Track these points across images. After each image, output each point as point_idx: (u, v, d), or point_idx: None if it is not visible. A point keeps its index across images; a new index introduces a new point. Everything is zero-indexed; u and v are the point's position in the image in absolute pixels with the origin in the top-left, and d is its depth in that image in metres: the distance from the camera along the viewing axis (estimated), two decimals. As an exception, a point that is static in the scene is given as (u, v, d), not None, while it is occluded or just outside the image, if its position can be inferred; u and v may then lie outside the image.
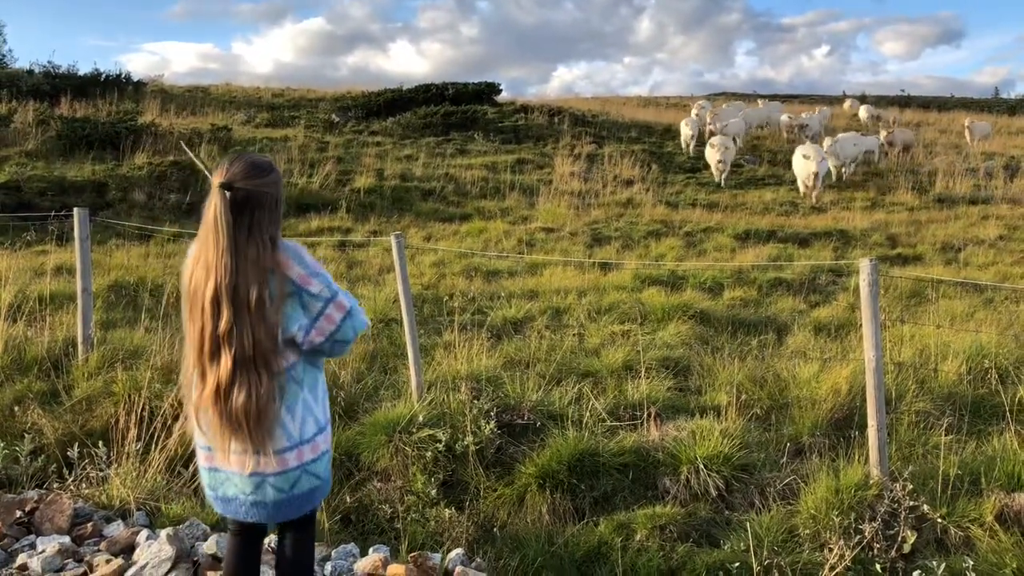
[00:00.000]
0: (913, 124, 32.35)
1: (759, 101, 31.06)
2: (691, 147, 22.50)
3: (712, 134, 21.31)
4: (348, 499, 4.82)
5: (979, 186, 19.09)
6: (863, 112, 32.14)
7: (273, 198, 2.70)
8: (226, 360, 2.60)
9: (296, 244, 2.76)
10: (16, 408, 5.38)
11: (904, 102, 46.48)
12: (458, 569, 3.38)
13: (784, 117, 26.82)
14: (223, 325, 2.60)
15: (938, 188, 18.80)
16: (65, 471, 4.58)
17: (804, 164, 17.49)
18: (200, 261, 2.66)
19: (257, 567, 3.01)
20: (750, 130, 25.59)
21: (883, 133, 23.09)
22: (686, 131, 22.80)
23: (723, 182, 19.07)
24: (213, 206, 2.61)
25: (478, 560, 3.72)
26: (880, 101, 46.61)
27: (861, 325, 7.24)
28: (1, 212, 12.39)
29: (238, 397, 2.60)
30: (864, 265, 4.56)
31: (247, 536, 2.96)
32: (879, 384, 4.54)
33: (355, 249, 11.97)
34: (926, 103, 45.80)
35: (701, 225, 14.36)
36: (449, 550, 3.89)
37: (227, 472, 2.75)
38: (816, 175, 17.16)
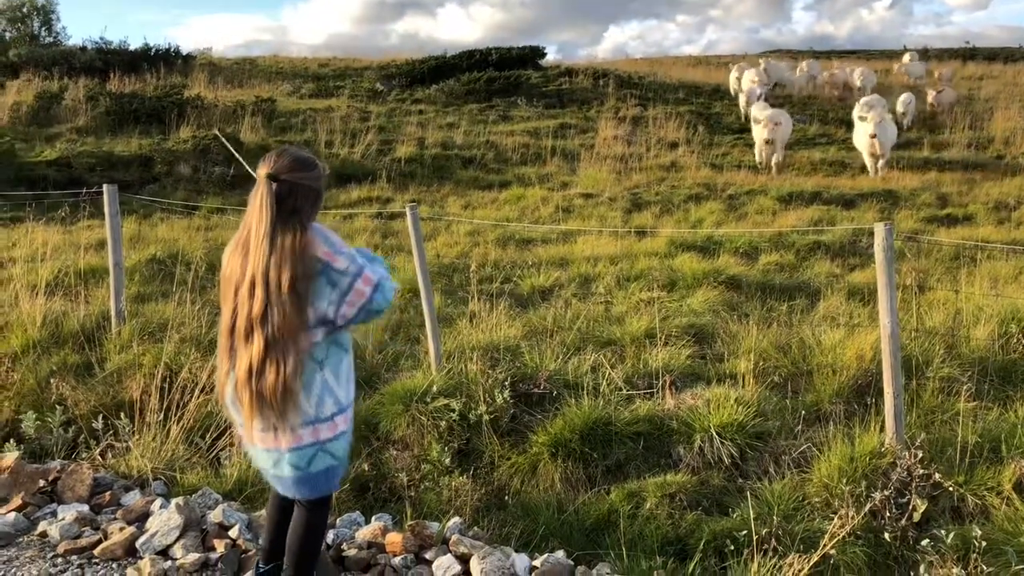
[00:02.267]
0: (976, 77, 31.27)
1: (803, 62, 29.74)
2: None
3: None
4: (366, 467, 4.91)
5: (1040, 140, 18.42)
6: (908, 67, 30.57)
7: (315, 192, 2.84)
8: (259, 341, 2.73)
9: (321, 225, 2.88)
10: (51, 380, 5.57)
11: (969, 54, 44.78)
12: (454, 537, 3.43)
13: (824, 74, 25.89)
14: (257, 307, 2.72)
15: (996, 145, 18.20)
16: (92, 442, 4.74)
17: (860, 128, 15.40)
18: (240, 245, 2.81)
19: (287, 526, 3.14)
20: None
21: (931, 94, 22.15)
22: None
23: (774, 167, 16.04)
24: (260, 195, 2.75)
25: (476, 529, 3.78)
26: (944, 54, 45.01)
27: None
28: (53, 188, 12.76)
29: (269, 376, 2.72)
30: (879, 229, 4.46)
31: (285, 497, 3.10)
32: (895, 351, 4.46)
33: (392, 219, 12.05)
34: (992, 55, 44.09)
35: (744, 188, 14.13)
36: (451, 519, 3.94)
37: (253, 448, 2.92)
38: (876, 140, 14.98)
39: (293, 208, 2.73)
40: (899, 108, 19.89)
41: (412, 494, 4.62)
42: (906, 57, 30.27)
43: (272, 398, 2.71)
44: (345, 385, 2.93)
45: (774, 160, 15.95)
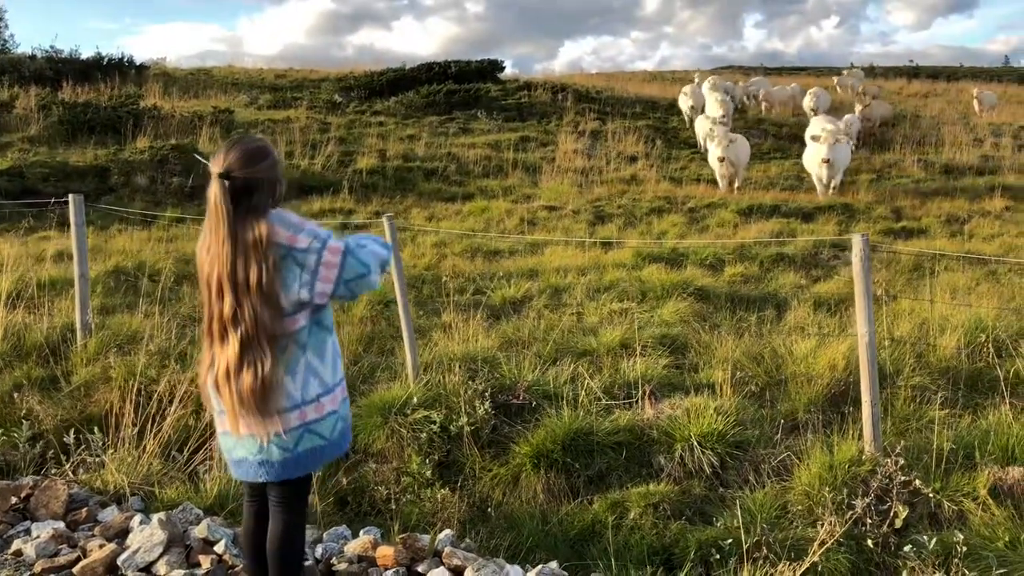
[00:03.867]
0: (922, 95, 32.07)
1: (738, 79, 29.70)
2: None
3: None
4: (344, 481, 4.84)
5: (987, 157, 18.94)
6: (842, 80, 30.53)
7: (272, 181, 2.78)
8: (233, 342, 2.71)
9: (277, 210, 2.81)
10: (15, 395, 5.41)
11: (912, 72, 45.95)
12: (447, 550, 3.40)
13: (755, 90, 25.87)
14: (227, 309, 2.70)
15: (945, 159, 18.66)
16: (63, 457, 4.61)
17: (813, 150, 14.52)
18: (205, 248, 2.76)
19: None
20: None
21: (858, 108, 21.55)
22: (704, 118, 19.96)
23: (735, 190, 15.26)
24: (214, 194, 2.69)
25: (468, 541, 3.74)
26: (889, 72, 46.13)
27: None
28: (5, 198, 12.43)
29: (246, 377, 2.69)
30: (856, 240, 4.53)
31: (261, 500, 3.04)
32: (872, 359, 4.53)
33: (356, 231, 11.95)
34: (935, 73, 45.29)
35: (704, 201, 14.29)
36: (440, 531, 3.90)
37: (235, 436, 2.85)
38: (829, 163, 14.09)
39: (251, 203, 2.69)
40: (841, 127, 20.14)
41: (393, 507, 4.57)
42: (844, 72, 30.77)
43: (251, 398, 2.69)
44: (331, 365, 2.90)
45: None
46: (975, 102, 25.79)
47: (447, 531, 3.73)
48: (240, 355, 2.68)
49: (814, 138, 14.35)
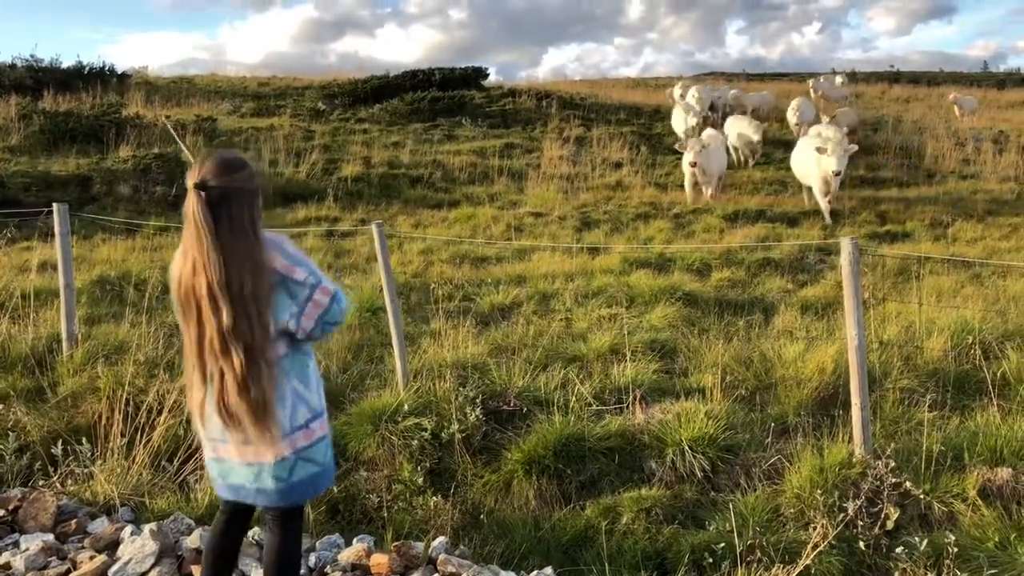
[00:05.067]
0: (903, 100, 32.34)
1: (720, 85, 29.43)
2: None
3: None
4: (335, 489, 4.81)
5: (968, 161, 19.09)
6: (818, 84, 30.49)
7: (250, 192, 2.74)
8: (237, 354, 2.66)
9: (276, 235, 2.81)
10: (1, 406, 5.35)
11: (893, 78, 46.31)
12: (441, 557, 3.38)
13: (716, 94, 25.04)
14: (226, 321, 2.65)
15: (927, 164, 18.80)
16: (50, 469, 4.56)
17: (819, 161, 12.93)
18: (188, 261, 2.70)
19: (237, 548, 3.09)
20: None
21: (825, 118, 20.09)
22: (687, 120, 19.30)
23: (709, 198, 14.65)
24: (191, 206, 2.65)
25: (462, 548, 3.73)
26: (870, 77, 46.46)
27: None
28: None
29: (253, 390, 2.67)
30: (845, 244, 4.56)
31: (236, 517, 3.03)
32: (862, 362, 4.55)
33: (342, 238, 11.93)
34: (916, 78, 45.65)
35: (690, 206, 14.34)
36: (434, 538, 3.89)
37: (232, 462, 2.83)
38: (839, 175, 12.82)
39: (230, 214, 2.65)
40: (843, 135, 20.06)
41: (385, 515, 4.55)
42: (821, 78, 30.78)
43: (254, 411, 2.67)
44: (316, 391, 2.90)
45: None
46: (955, 107, 26.00)
47: (441, 538, 3.71)
48: (247, 366, 2.65)
49: (820, 150, 12.95)
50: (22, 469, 4.69)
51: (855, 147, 13.67)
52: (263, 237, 2.73)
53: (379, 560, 3.41)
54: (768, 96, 25.76)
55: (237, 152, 2.91)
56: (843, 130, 14.98)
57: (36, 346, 6.15)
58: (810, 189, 14.06)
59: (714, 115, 23.06)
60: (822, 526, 3.92)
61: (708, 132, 17.04)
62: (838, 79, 30.27)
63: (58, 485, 4.39)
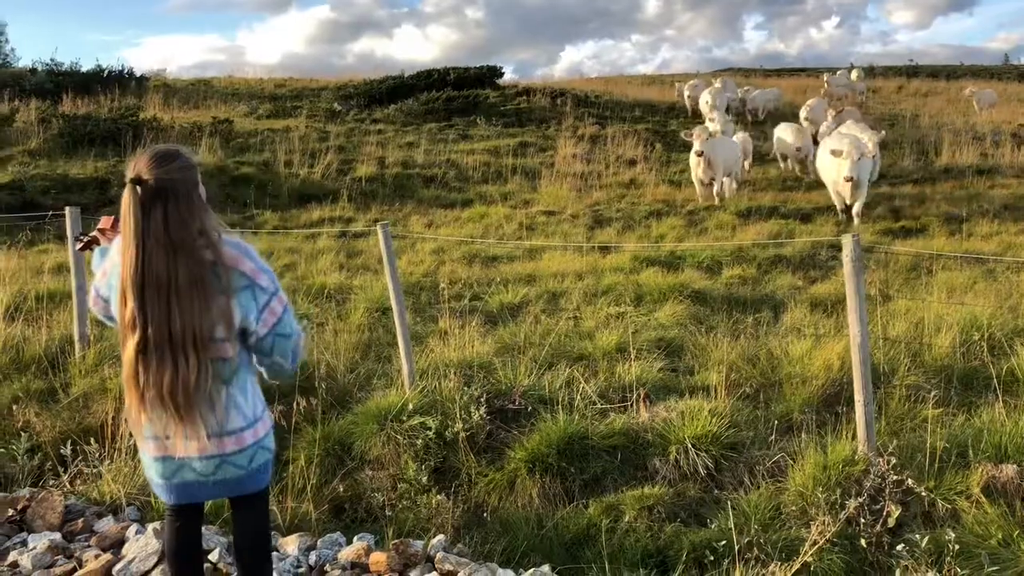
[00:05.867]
0: (922, 94, 32.09)
1: (715, 79, 28.29)
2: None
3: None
4: (341, 488, 4.86)
5: (986, 155, 18.92)
6: (833, 79, 29.21)
7: (185, 184, 2.73)
8: (131, 345, 2.68)
9: (241, 240, 2.84)
10: (14, 407, 5.44)
11: (912, 72, 45.93)
12: (439, 555, 3.42)
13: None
14: (128, 314, 2.68)
15: (944, 159, 18.65)
16: (60, 469, 4.63)
17: (832, 166, 12.38)
18: (118, 250, 2.77)
19: (199, 544, 3.11)
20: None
21: (830, 114, 18.94)
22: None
23: (716, 198, 14.29)
24: (125, 202, 2.68)
25: (460, 546, 3.76)
26: (888, 72, 46.12)
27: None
28: (5, 212, 12.48)
29: (159, 379, 2.66)
30: (847, 241, 4.55)
31: (188, 517, 3.03)
32: (865, 359, 4.54)
33: (355, 239, 12.00)
34: (935, 72, 45.24)
35: (702, 204, 14.31)
36: (435, 536, 3.92)
37: (181, 459, 2.81)
38: (853, 181, 12.07)
39: (166, 207, 2.66)
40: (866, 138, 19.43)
41: (389, 513, 4.59)
42: (836, 73, 30.54)
43: (171, 401, 2.67)
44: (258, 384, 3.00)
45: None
46: (973, 101, 25.76)
47: (440, 536, 3.75)
48: (139, 357, 2.67)
49: (834, 153, 12.32)
50: (33, 470, 4.78)
51: (874, 153, 12.91)
52: (221, 233, 2.76)
53: (378, 558, 3.45)
54: (773, 94, 25.39)
55: (173, 145, 2.91)
56: (879, 134, 14.01)
57: (49, 348, 6.24)
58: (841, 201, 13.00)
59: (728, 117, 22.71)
60: (822, 523, 3.92)
61: (741, 136, 16.86)
62: (853, 74, 30.05)
63: (68, 485, 4.46)
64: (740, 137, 16.70)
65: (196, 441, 2.77)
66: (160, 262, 2.63)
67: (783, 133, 17.08)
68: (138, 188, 2.65)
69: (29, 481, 4.64)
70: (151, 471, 2.89)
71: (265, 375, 2.99)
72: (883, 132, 15.17)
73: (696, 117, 22.84)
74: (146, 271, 2.64)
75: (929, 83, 36.22)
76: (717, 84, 24.72)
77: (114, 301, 2.79)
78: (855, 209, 12.61)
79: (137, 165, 2.69)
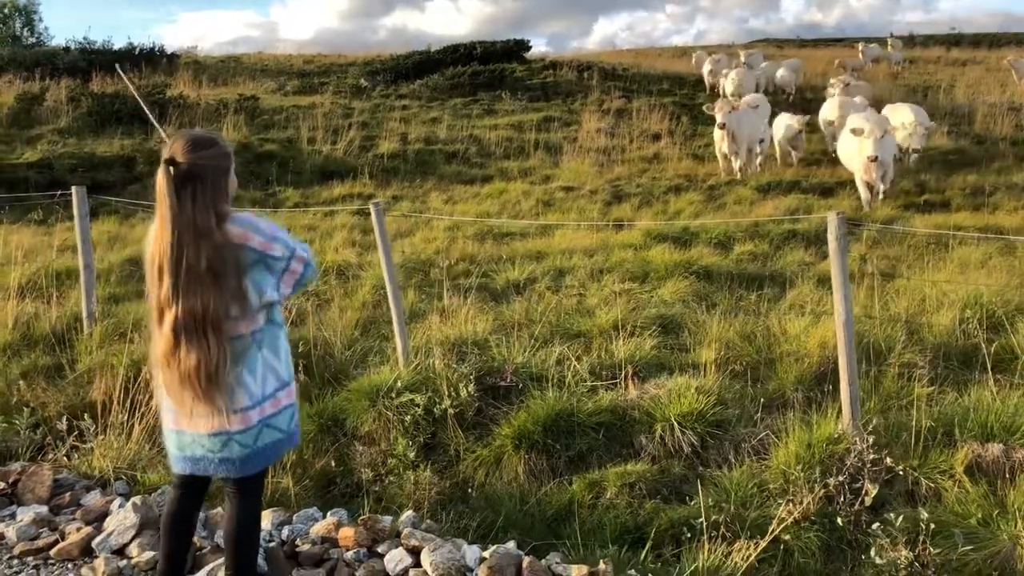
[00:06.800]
0: (959, 63, 31.33)
1: (741, 52, 27.36)
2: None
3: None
4: (333, 463, 4.95)
5: (1021, 127, 18.49)
6: (867, 50, 28.36)
7: (217, 170, 2.87)
8: (168, 324, 2.78)
9: (248, 215, 2.94)
10: (21, 382, 5.59)
11: (955, 40, 44.79)
12: (406, 531, 3.48)
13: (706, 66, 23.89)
14: (163, 292, 2.78)
15: (977, 129, 18.26)
16: (58, 444, 4.77)
17: (854, 145, 11.68)
18: (153, 231, 2.87)
19: (194, 521, 3.22)
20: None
21: (838, 87, 18.49)
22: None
23: (746, 175, 14.15)
24: (159, 180, 2.80)
25: (429, 522, 3.82)
26: (929, 41, 45.06)
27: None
28: (34, 190, 12.74)
29: (187, 360, 2.76)
30: (831, 219, 4.51)
31: (190, 490, 3.14)
32: (850, 338, 4.51)
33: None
34: (977, 41, 44.12)
35: (725, 178, 14.18)
36: (413, 511, 3.99)
37: (193, 434, 2.92)
38: (877, 162, 11.32)
39: (195, 190, 2.77)
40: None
41: (376, 488, 4.67)
42: (872, 44, 29.85)
43: (197, 382, 2.76)
44: (284, 360, 3.03)
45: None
46: (1012, 71, 25.10)
47: (409, 512, 3.81)
48: (176, 336, 2.76)
49: (855, 132, 11.62)
50: (35, 443, 4.91)
51: (889, 136, 11.83)
52: (230, 215, 2.85)
53: (347, 533, 3.52)
54: (789, 66, 24.49)
55: (210, 131, 3.06)
56: (929, 124, 13.55)
57: (58, 324, 6.39)
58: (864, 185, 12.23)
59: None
60: (797, 502, 3.92)
61: (751, 96, 16.55)
62: (889, 44, 29.40)
63: (65, 459, 4.59)
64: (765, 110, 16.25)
65: (206, 419, 2.87)
66: (190, 245, 2.74)
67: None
68: (171, 169, 2.77)
69: (29, 455, 4.77)
70: (168, 441, 3.03)
71: None
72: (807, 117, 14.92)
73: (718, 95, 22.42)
74: (180, 252, 2.74)
75: (969, 52, 35.35)
76: (742, 59, 24.15)
77: (149, 277, 2.89)
78: (881, 192, 12.04)
79: (173, 147, 2.83)
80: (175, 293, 2.75)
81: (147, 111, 5.47)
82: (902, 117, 13.37)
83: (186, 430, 2.93)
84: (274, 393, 2.96)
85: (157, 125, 3.22)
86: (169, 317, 2.77)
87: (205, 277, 2.75)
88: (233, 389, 2.85)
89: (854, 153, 11.89)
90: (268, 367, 2.95)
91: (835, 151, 14.23)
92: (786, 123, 14.96)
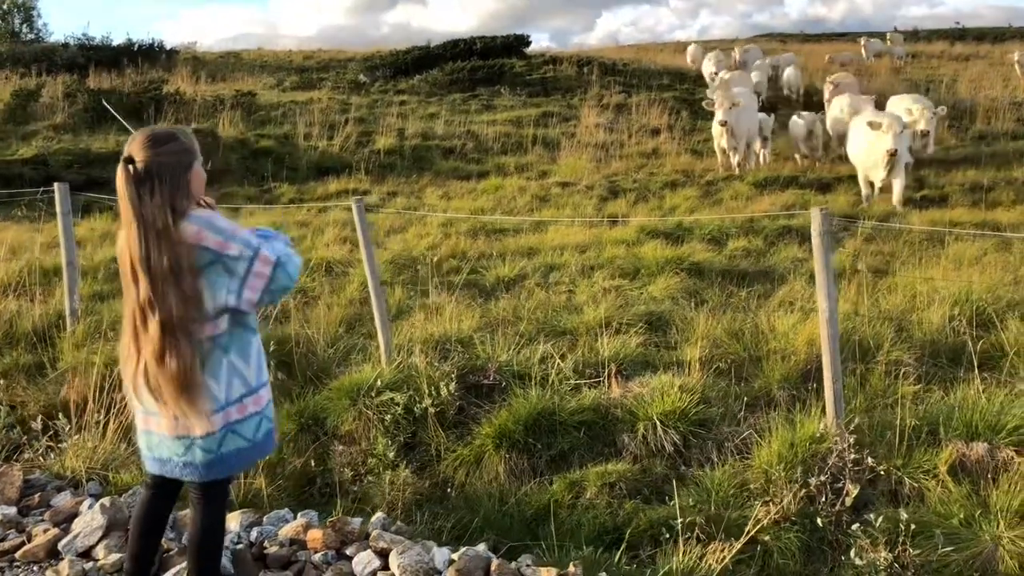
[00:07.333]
0: (962, 58, 31.15)
1: (736, 49, 26.42)
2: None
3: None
4: (313, 463, 4.90)
5: (1023, 121, 18.36)
6: (868, 45, 28.19)
7: (176, 167, 2.77)
8: (154, 326, 2.71)
9: (206, 212, 2.83)
10: (2, 380, 5.55)
11: (959, 35, 44.55)
12: (374, 533, 3.43)
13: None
14: (143, 294, 2.71)
15: (979, 125, 18.14)
16: (35, 444, 4.72)
17: (871, 140, 11.13)
18: (123, 234, 2.79)
19: (164, 523, 3.17)
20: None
21: (829, 87, 17.59)
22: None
23: (744, 170, 14.02)
24: (118, 180, 2.73)
25: (399, 524, 3.77)
26: (933, 36, 44.82)
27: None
28: (29, 186, 12.70)
29: (169, 363, 2.71)
30: (815, 215, 4.45)
31: (162, 491, 3.09)
32: (834, 336, 4.45)
33: (367, 211, 11.98)
34: (982, 35, 43.87)
35: (723, 173, 14.10)
36: (388, 513, 3.94)
37: (160, 435, 2.88)
38: (895, 155, 10.86)
39: (152, 188, 2.69)
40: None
41: (356, 488, 4.63)
42: (864, 41, 29.65)
43: (171, 385, 2.70)
44: (255, 366, 2.94)
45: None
46: (1016, 65, 24.94)
47: (379, 514, 3.76)
48: (163, 338, 2.69)
49: (872, 125, 11.08)
50: (12, 442, 4.87)
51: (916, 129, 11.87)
52: (186, 212, 2.75)
53: (315, 535, 3.47)
54: (787, 60, 24.14)
55: (171, 127, 2.95)
56: (937, 109, 12.97)
57: (41, 322, 6.34)
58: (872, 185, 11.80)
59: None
60: (775, 502, 3.87)
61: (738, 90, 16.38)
62: (888, 38, 29.24)
63: (40, 459, 4.54)
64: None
65: (171, 421, 2.82)
66: (154, 244, 2.67)
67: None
68: (130, 168, 2.70)
69: (5, 455, 4.72)
70: (140, 441, 2.98)
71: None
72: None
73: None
74: (148, 252, 2.67)
75: (973, 47, 35.11)
76: (737, 56, 23.92)
77: (124, 278, 2.82)
78: (896, 195, 11.36)
79: (132, 145, 2.74)
80: (156, 293, 2.68)
81: (119, 118, 5.42)
82: (908, 104, 13.11)
83: (154, 431, 2.89)
84: (240, 399, 2.88)
85: (130, 129, 3.14)
86: (154, 318, 2.70)
87: (169, 277, 2.69)
88: (198, 394, 2.78)
89: (865, 149, 11.48)
90: (234, 371, 2.86)
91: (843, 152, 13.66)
92: (793, 121, 14.83)
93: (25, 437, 4.83)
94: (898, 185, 11.35)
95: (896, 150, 10.91)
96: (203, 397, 2.78)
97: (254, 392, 2.93)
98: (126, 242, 2.75)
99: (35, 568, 3.43)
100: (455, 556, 3.30)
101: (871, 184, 11.76)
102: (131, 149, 2.74)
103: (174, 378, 2.71)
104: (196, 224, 2.74)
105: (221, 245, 2.74)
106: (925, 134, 12.05)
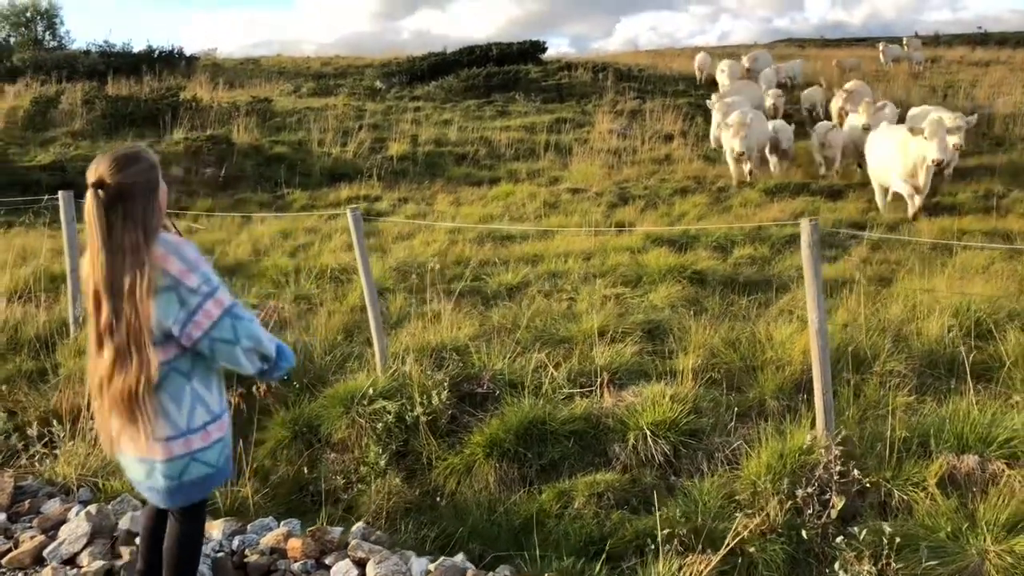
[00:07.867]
0: (983, 63, 30.86)
1: (744, 57, 25.44)
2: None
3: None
4: (305, 470, 4.93)
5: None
6: (887, 50, 27.91)
7: (146, 186, 2.75)
8: (108, 351, 2.69)
9: (177, 239, 2.82)
10: (3, 387, 5.62)
11: (980, 39, 44.12)
12: (353, 542, 3.45)
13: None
14: (103, 319, 2.69)
15: (996, 131, 17.96)
16: (32, 450, 4.78)
17: (912, 147, 10.55)
18: (87, 257, 2.76)
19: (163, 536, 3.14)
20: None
21: (839, 97, 17.14)
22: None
23: (754, 178, 13.88)
24: (87, 206, 2.69)
25: (379, 534, 3.78)
26: (955, 40, 44.43)
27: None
28: (46, 192, 12.85)
29: (116, 382, 2.69)
30: (804, 226, 4.44)
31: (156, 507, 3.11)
32: (824, 346, 4.43)
33: (376, 218, 12.06)
34: (1004, 39, 43.46)
35: (735, 179, 14.05)
36: (373, 522, 3.96)
37: (128, 456, 2.88)
38: (941, 164, 10.47)
39: (123, 211, 2.66)
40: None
41: (347, 496, 4.65)
42: (891, 45, 29.40)
43: (118, 404, 2.69)
44: (217, 393, 2.91)
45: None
46: (1036, 69, 24.65)
47: (359, 523, 3.78)
48: (113, 364, 2.68)
49: (914, 131, 10.52)
50: (11, 448, 4.93)
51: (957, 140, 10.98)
52: (157, 235, 2.73)
53: (295, 544, 3.49)
54: (794, 67, 23.98)
55: (136, 146, 2.92)
56: (968, 118, 11.86)
57: (45, 329, 6.42)
58: (887, 193, 11.45)
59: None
60: (758, 514, 3.85)
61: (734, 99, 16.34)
62: (905, 43, 29.01)
63: (35, 466, 4.60)
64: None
65: (134, 443, 2.80)
66: (121, 267, 2.65)
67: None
68: (100, 192, 2.66)
69: (1, 460, 4.79)
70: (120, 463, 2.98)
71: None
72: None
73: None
74: (113, 277, 2.65)
75: (994, 52, 34.77)
76: (744, 63, 23.74)
77: (88, 305, 2.78)
78: (915, 207, 10.97)
79: (98, 169, 2.70)
80: (117, 318, 2.66)
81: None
82: (938, 114, 12.76)
83: (124, 452, 2.88)
84: (204, 426, 2.84)
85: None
86: (111, 343, 2.68)
87: (131, 298, 2.66)
88: (155, 417, 2.75)
89: (896, 158, 10.98)
90: (197, 399, 2.82)
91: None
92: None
93: (22, 443, 4.88)
94: (919, 199, 10.93)
95: (943, 160, 10.38)
96: (158, 420, 2.75)
97: (218, 418, 2.90)
98: (90, 268, 2.72)
99: (20, 574, 3.48)
100: (432, 566, 3.31)
101: (887, 192, 11.53)
102: (99, 173, 2.68)
103: (120, 397, 2.69)
104: (164, 248, 2.72)
105: (183, 273, 2.70)
106: (957, 148, 11.13)
